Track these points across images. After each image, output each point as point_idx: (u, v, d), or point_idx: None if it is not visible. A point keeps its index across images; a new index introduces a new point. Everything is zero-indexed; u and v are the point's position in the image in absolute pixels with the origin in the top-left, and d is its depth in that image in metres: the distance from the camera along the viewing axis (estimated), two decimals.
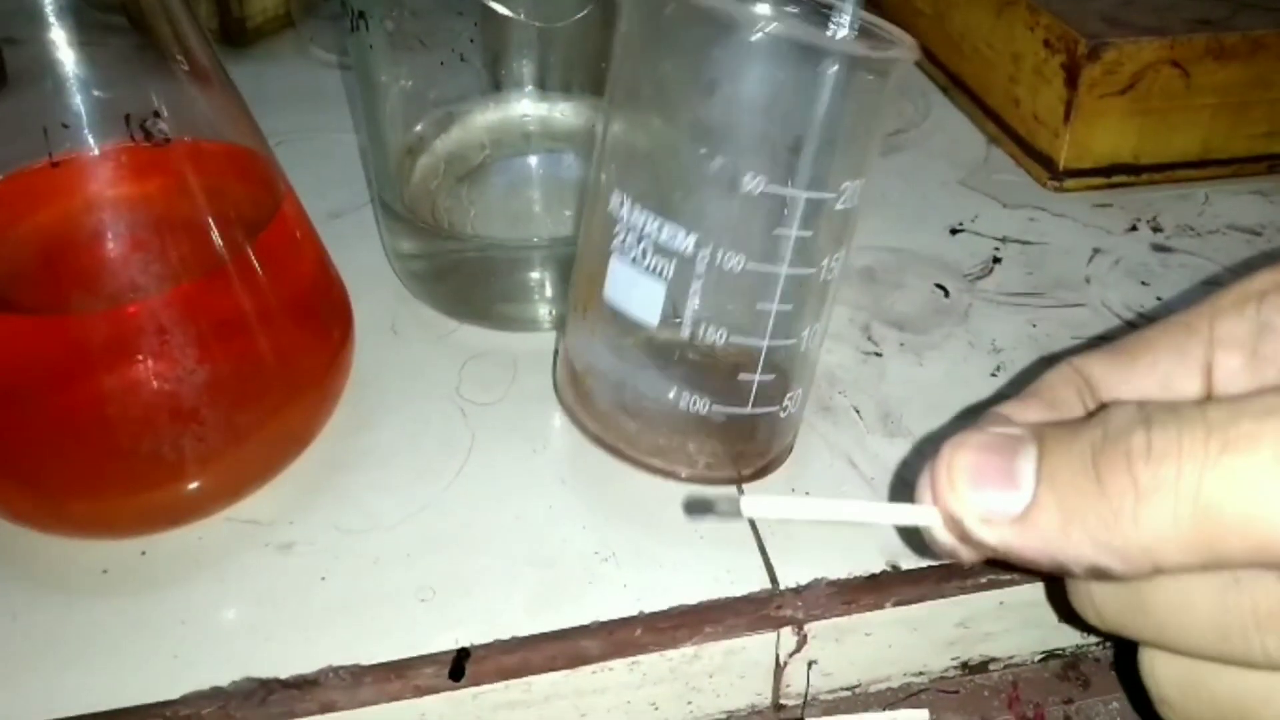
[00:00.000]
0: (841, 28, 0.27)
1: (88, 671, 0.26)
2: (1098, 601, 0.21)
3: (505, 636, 0.26)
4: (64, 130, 0.26)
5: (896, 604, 0.27)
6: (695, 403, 0.28)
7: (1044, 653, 0.30)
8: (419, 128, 0.38)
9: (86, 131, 0.26)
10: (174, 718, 0.25)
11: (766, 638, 0.27)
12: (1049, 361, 0.36)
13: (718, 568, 0.28)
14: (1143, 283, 0.40)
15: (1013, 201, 0.45)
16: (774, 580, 0.28)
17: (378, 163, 0.37)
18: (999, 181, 0.46)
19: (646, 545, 0.29)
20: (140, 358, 0.27)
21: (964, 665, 0.29)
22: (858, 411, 0.34)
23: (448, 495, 0.31)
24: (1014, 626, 0.29)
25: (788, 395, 0.29)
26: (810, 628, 0.27)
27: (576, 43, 0.37)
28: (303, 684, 0.25)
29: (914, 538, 0.28)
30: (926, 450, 0.28)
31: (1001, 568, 0.28)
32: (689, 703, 0.28)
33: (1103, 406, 0.20)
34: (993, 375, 0.35)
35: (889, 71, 0.26)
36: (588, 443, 0.30)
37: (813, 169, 0.25)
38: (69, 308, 0.27)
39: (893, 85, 0.26)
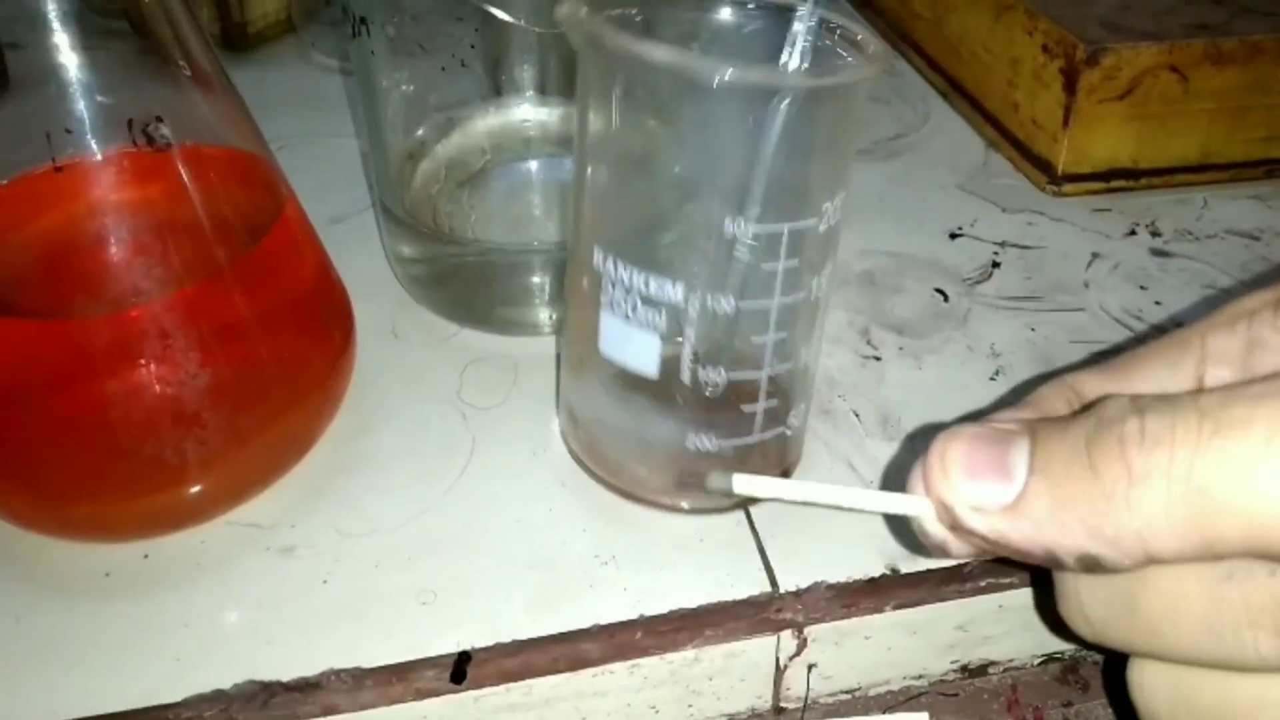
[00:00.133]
0: (799, 38, 0.26)
1: (89, 674, 0.26)
2: (1087, 606, 0.21)
3: (506, 639, 0.27)
4: (67, 135, 0.26)
5: (896, 607, 0.28)
6: (703, 441, 0.28)
7: (1043, 656, 0.30)
8: (420, 133, 0.38)
9: (89, 136, 0.26)
10: None
11: (766, 641, 0.27)
12: (1048, 365, 0.36)
13: (718, 571, 0.28)
14: (1141, 287, 0.40)
15: (1012, 206, 0.45)
16: (774, 583, 0.28)
17: (379, 167, 0.37)
18: (998, 186, 0.46)
19: (647, 548, 0.29)
20: (142, 362, 0.27)
21: (963, 668, 0.30)
22: (857, 415, 0.34)
23: (448, 498, 0.31)
24: (1013, 630, 0.29)
25: (791, 414, 0.29)
26: (810, 631, 0.27)
27: None
28: (304, 687, 0.25)
29: (913, 540, 0.28)
30: (917, 447, 0.28)
31: (994, 563, 0.28)
32: (689, 706, 0.28)
33: (1094, 404, 0.20)
34: (992, 379, 0.35)
35: (854, 89, 0.26)
36: None
37: (791, 201, 0.25)
38: (72, 312, 0.27)
39: (860, 98, 0.26)
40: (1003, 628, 0.29)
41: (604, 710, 0.27)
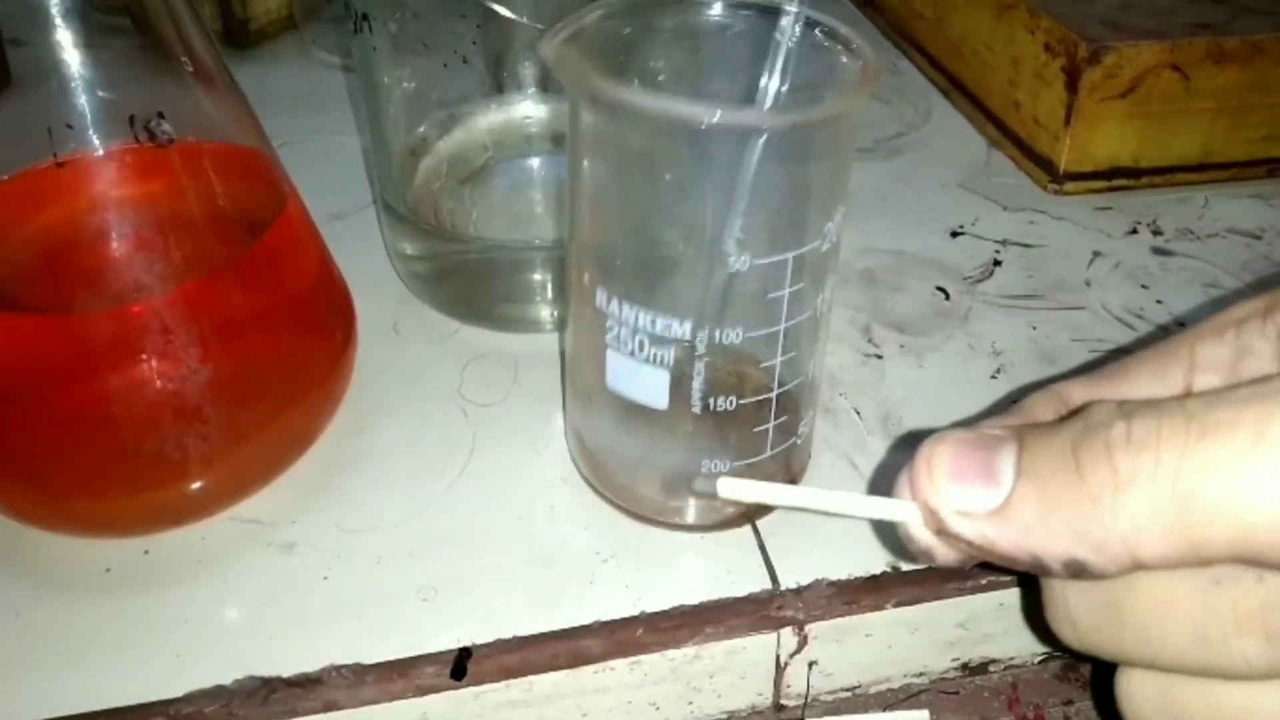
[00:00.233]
0: (781, 49, 0.26)
1: (91, 670, 0.26)
2: (1075, 614, 0.21)
3: (507, 636, 0.27)
4: (68, 131, 0.26)
5: (897, 605, 0.28)
6: (716, 465, 0.28)
7: (1044, 654, 0.30)
8: (421, 129, 0.38)
9: (91, 132, 0.26)
10: (177, 716, 0.25)
11: (767, 638, 0.27)
12: (1049, 364, 0.36)
13: (719, 568, 0.28)
14: (1143, 286, 0.40)
15: (1013, 204, 0.45)
16: (775, 581, 0.28)
17: (380, 164, 0.37)
18: (999, 184, 0.46)
19: (647, 545, 0.29)
20: (144, 357, 0.27)
21: (964, 666, 0.30)
22: (858, 413, 0.34)
23: (449, 495, 0.31)
24: (1014, 627, 0.29)
25: (801, 424, 0.29)
26: (811, 628, 0.27)
27: None
28: (305, 683, 0.25)
29: (901, 546, 0.28)
30: (905, 450, 0.28)
31: (981, 569, 0.28)
32: (690, 703, 0.28)
33: (1081, 409, 0.20)
34: (993, 378, 0.35)
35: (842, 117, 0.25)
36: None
37: (793, 230, 0.25)
38: (73, 307, 0.27)
39: (856, 114, 0.26)
40: (1003, 625, 0.29)
41: (604, 707, 0.27)
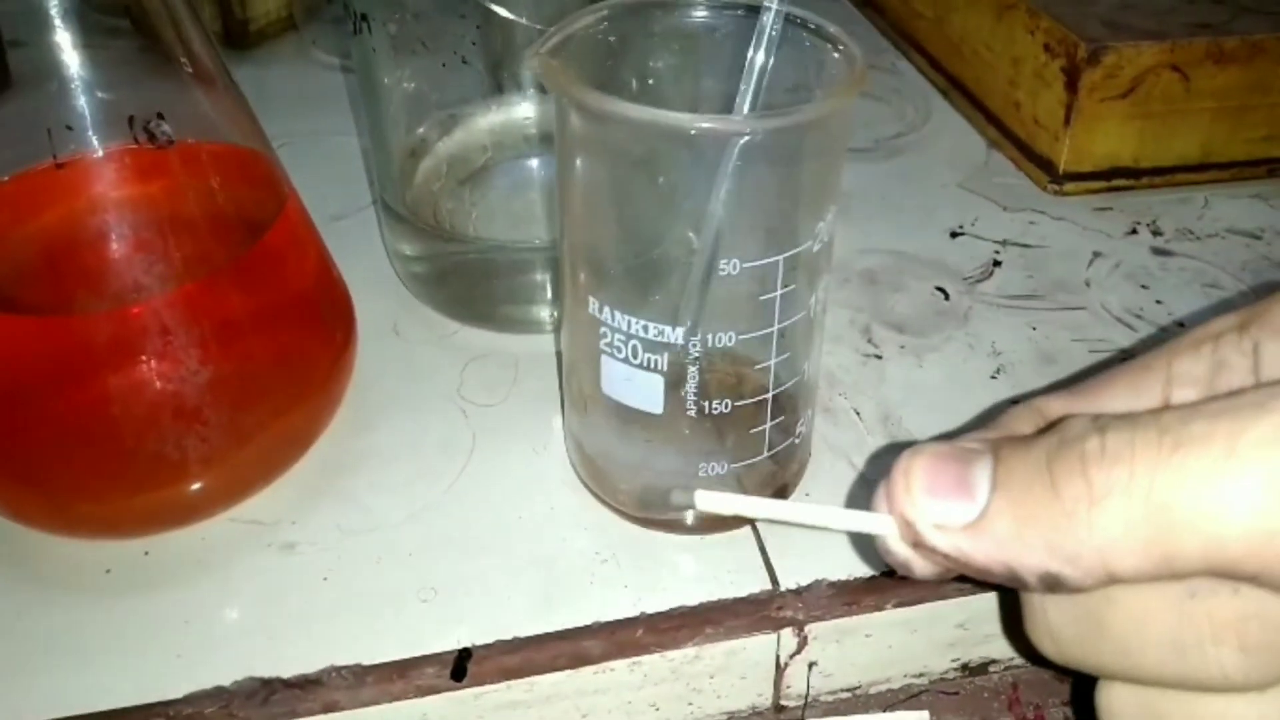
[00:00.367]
0: (765, 31, 0.26)
1: (91, 670, 0.26)
2: (1054, 627, 0.21)
3: (507, 637, 0.27)
4: (68, 132, 0.26)
5: (897, 605, 0.28)
6: (714, 468, 0.28)
7: None
8: (421, 130, 0.38)
9: (90, 133, 0.26)
10: (177, 717, 0.25)
11: (767, 639, 0.27)
12: (1049, 364, 0.36)
13: (718, 569, 0.28)
14: (1142, 286, 0.40)
15: (1013, 205, 0.45)
16: (775, 581, 0.28)
17: (380, 165, 0.37)
18: (999, 185, 0.46)
19: (647, 545, 0.29)
20: (144, 358, 0.27)
21: (964, 666, 0.30)
22: (858, 413, 0.34)
23: (449, 496, 0.31)
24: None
25: (799, 424, 0.29)
26: (811, 629, 0.27)
27: None
28: (305, 684, 0.25)
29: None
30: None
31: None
32: (690, 704, 0.28)
33: (1057, 422, 0.20)
34: (992, 378, 0.35)
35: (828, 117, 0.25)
36: None
37: (784, 232, 0.25)
38: (73, 308, 0.27)
39: (845, 114, 0.26)
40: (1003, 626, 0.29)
41: (605, 708, 0.27)
